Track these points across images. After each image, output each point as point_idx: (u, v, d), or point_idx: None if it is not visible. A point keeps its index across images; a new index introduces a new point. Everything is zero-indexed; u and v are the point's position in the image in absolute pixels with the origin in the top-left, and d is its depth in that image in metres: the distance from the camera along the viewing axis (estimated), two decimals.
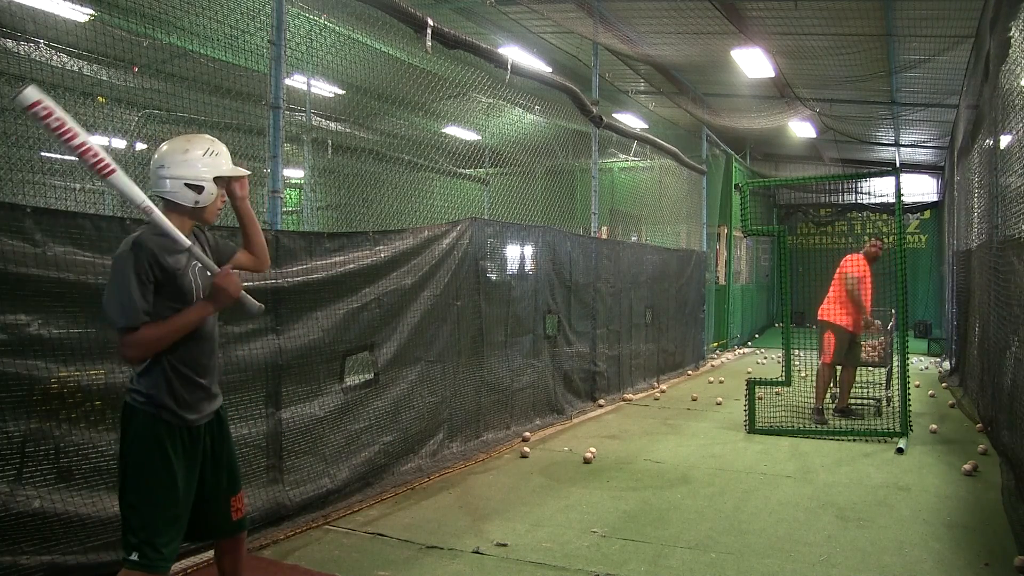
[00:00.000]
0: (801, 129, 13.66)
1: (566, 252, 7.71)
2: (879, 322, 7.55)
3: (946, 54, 9.15)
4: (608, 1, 8.58)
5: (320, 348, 4.58)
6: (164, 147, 2.68)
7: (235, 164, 2.77)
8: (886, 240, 7.87)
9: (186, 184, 2.63)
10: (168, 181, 2.62)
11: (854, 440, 6.81)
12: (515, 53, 7.83)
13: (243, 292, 2.64)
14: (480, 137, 9.33)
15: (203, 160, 2.66)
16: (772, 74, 10.10)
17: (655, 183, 12.09)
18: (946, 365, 11.60)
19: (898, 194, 7.30)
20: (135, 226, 3.38)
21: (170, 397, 2.59)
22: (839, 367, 7.60)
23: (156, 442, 2.58)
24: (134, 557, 2.52)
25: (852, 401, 7.80)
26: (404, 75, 7.04)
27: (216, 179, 2.68)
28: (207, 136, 2.77)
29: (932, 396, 9.24)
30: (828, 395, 7.75)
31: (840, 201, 18.26)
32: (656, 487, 5.35)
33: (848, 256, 7.59)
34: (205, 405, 2.72)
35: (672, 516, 4.69)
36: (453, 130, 9.89)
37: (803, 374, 8.17)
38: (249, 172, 2.86)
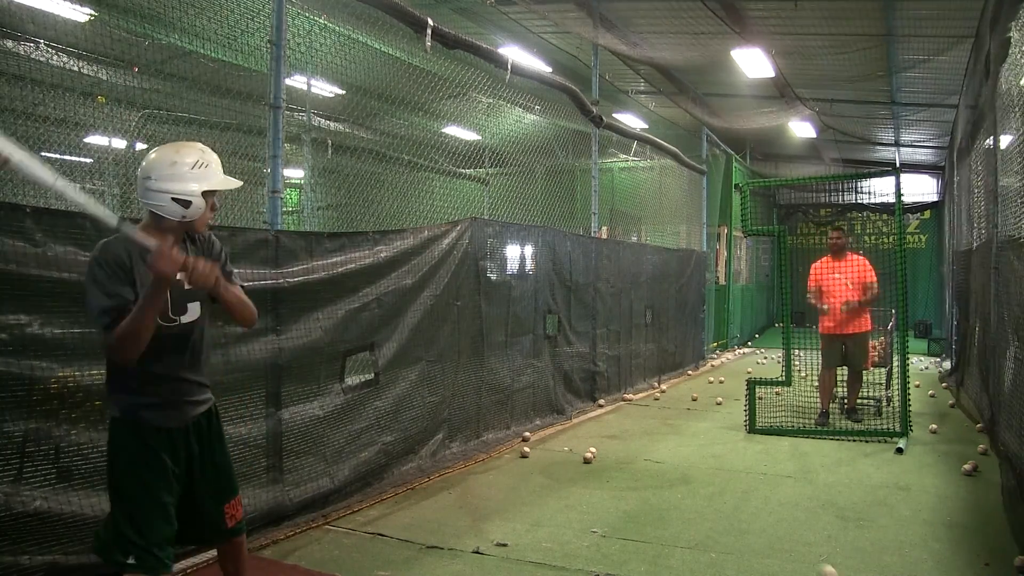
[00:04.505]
0: (801, 129, 13.65)
1: (566, 252, 7.71)
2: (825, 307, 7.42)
3: (946, 54, 9.15)
4: (608, 1, 8.58)
5: (320, 348, 4.58)
6: (152, 156, 2.58)
7: (229, 172, 2.69)
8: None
9: (173, 198, 2.53)
10: (155, 194, 2.53)
11: (854, 440, 6.80)
12: (515, 53, 7.83)
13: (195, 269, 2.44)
14: (480, 137, 9.32)
15: (192, 173, 2.56)
16: (772, 74, 10.09)
17: (655, 183, 12.08)
18: (946, 365, 11.59)
19: (898, 194, 7.30)
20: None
21: (145, 401, 2.57)
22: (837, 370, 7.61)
23: (141, 448, 2.56)
24: (131, 561, 2.49)
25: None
26: (404, 75, 7.03)
27: (206, 192, 2.60)
28: (198, 145, 2.66)
29: (932, 396, 9.24)
30: (837, 398, 7.77)
31: (840, 201, 18.26)
32: (656, 487, 5.35)
33: (856, 257, 7.52)
34: (187, 407, 2.67)
35: (672, 516, 4.69)
36: (453, 130, 9.88)
37: (803, 374, 8.17)
38: (240, 183, 2.77)
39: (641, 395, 9.24)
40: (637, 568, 3.87)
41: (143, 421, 2.57)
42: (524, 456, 6.15)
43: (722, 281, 14.35)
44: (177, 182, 2.54)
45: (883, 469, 5.84)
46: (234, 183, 2.72)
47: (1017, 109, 4.87)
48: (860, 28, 8.77)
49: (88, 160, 7.26)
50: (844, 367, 7.55)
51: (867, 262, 7.47)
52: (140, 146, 7.33)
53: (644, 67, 11.03)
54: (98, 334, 2.54)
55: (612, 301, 8.82)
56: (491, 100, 7.72)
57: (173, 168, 2.54)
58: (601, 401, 8.40)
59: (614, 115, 10.80)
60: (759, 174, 17.24)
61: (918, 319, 16.04)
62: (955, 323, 10.85)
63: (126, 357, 2.46)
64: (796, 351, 7.69)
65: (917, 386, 9.40)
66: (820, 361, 7.52)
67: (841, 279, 7.31)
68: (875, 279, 7.36)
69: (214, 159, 2.66)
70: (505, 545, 4.14)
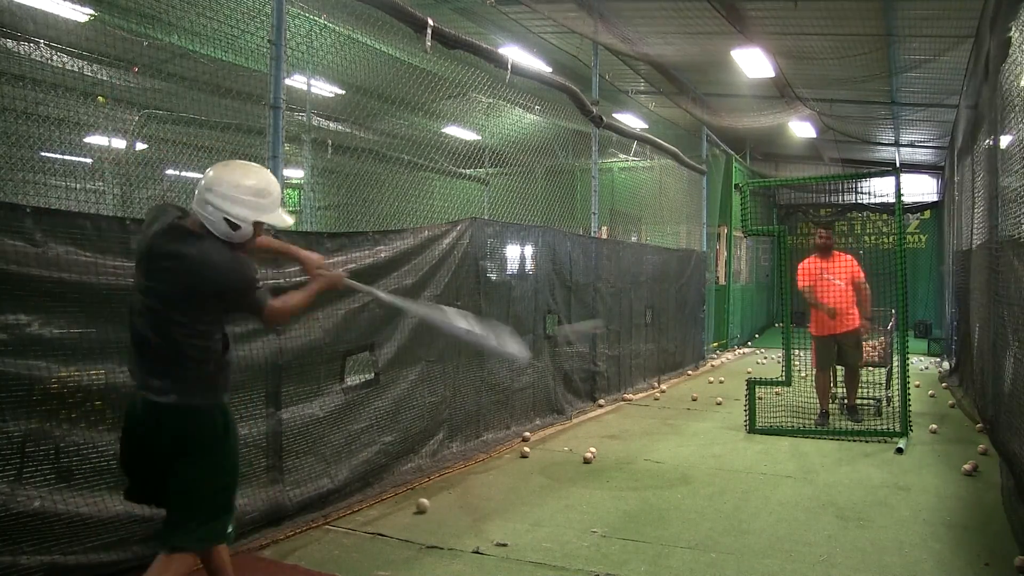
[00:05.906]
0: (801, 129, 13.65)
1: (566, 252, 7.71)
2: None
3: (946, 54, 9.14)
4: (608, 1, 8.57)
5: (320, 348, 4.58)
6: (219, 170, 2.66)
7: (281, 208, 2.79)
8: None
9: (225, 218, 2.63)
10: (210, 208, 2.62)
11: (854, 440, 6.80)
12: (515, 53, 7.82)
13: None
14: (480, 137, 9.33)
15: (251, 200, 2.64)
16: (772, 74, 10.09)
17: (655, 183, 12.08)
18: (946, 365, 11.59)
19: (898, 194, 7.30)
20: (135, 226, 3.38)
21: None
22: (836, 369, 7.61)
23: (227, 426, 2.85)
24: (231, 531, 2.80)
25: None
26: (404, 75, 7.04)
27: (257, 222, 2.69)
28: (265, 174, 2.74)
29: (932, 396, 9.24)
30: (834, 398, 7.78)
31: (840, 201, 18.24)
32: (656, 487, 5.35)
33: (843, 255, 7.51)
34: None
35: (672, 516, 4.69)
36: (453, 130, 9.88)
37: (803, 374, 8.17)
38: (292, 221, 2.85)
39: (641, 395, 9.24)
40: (637, 568, 3.87)
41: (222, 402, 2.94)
42: (524, 456, 6.15)
43: (722, 281, 14.35)
44: (235, 205, 2.63)
45: (883, 469, 5.84)
46: (288, 220, 2.79)
47: (1017, 109, 4.87)
48: (860, 28, 8.76)
49: (88, 160, 7.26)
50: (840, 366, 7.56)
51: (854, 260, 7.46)
52: (140, 146, 7.33)
53: (644, 67, 11.02)
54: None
55: (612, 301, 8.82)
56: (491, 100, 7.72)
57: (236, 191, 2.63)
58: (601, 401, 8.40)
59: (614, 115, 10.80)
60: (759, 174, 17.24)
61: (918, 319, 16.04)
62: (955, 323, 10.85)
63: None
64: (796, 351, 7.69)
65: (917, 386, 9.40)
66: (814, 363, 7.51)
67: (833, 279, 7.28)
68: (863, 276, 7.36)
69: (276, 191, 2.73)
70: (505, 545, 4.14)
